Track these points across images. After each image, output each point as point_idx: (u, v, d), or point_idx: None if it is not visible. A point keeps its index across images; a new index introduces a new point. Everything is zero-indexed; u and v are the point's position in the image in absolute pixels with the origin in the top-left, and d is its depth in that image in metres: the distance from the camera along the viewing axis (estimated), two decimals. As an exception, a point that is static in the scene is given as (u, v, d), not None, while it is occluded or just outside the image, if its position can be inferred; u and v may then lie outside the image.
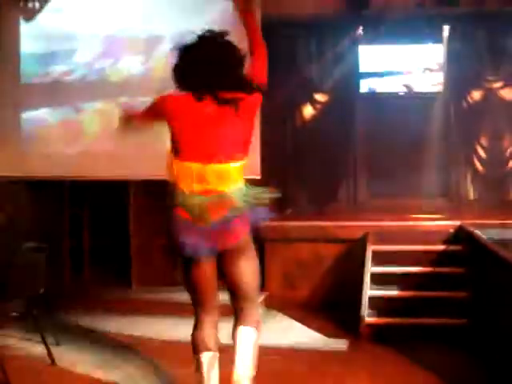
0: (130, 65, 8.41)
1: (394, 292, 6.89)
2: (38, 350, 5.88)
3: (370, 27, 9.69)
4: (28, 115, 8.56)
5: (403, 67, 10.23)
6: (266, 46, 4.42)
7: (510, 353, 5.18)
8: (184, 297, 4.33)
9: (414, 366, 5.61)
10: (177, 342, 6.25)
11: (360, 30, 9.82)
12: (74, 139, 8.44)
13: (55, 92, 8.47)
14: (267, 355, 5.88)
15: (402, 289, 6.90)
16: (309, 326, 7.09)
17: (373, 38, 9.80)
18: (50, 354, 5.72)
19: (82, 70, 8.46)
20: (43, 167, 8.39)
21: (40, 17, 8.47)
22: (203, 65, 4.03)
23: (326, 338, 6.62)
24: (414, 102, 10.17)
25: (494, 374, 5.34)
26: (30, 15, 8.37)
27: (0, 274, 5.55)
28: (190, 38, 4.13)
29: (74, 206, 8.84)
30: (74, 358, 5.91)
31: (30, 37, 8.54)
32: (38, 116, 8.54)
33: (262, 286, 8.13)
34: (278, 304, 7.85)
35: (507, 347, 5.29)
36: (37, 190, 8.66)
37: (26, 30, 8.54)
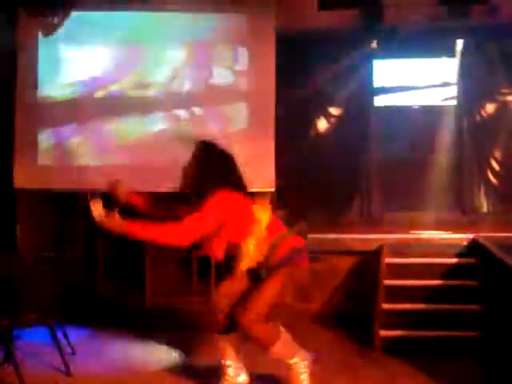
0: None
1: (407, 305, 6.88)
2: (54, 359, 5.91)
3: (383, 41, 9.71)
4: (46, 131, 8.65)
5: (417, 81, 10.27)
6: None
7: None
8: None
9: (428, 378, 5.62)
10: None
11: (374, 44, 9.84)
12: (92, 153, 8.55)
13: (74, 108, 8.59)
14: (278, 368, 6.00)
15: (415, 301, 6.89)
16: (321, 338, 7.11)
17: (386, 52, 9.82)
18: (65, 363, 5.76)
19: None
20: (60, 180, 8.48)
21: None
22: None
23: (339, 351, 6.63)
24: (428, 115, 10.18)
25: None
26: (50, 30, 8.45)
27: (16, 286, 5.60)
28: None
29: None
30: (89, 368, 5.96)
31: (49, 52, 8.65)
32: (55, 131, 8.64)
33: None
34: (290, 316, 7.86)
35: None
36: (53, 202, 8.75)
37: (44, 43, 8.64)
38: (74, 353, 6.25)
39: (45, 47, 8.61)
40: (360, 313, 7.29)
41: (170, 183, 7.16)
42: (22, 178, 8.51)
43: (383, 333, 6.63)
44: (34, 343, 6.48)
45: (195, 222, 4.71)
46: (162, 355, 6.44)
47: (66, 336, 6.22)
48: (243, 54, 8.56)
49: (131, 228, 4.68)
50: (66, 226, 8.84)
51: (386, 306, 6.85)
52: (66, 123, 8.59)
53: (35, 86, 8.61)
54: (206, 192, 4.79)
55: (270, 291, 4.93)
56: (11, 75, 8.51)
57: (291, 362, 5.08)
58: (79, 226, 8.81)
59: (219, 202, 4.78)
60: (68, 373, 5.72)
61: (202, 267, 8.62)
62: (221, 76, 8.57)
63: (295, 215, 9.57)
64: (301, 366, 5.09)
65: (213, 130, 8.32)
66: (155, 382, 5.67)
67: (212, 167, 4.95)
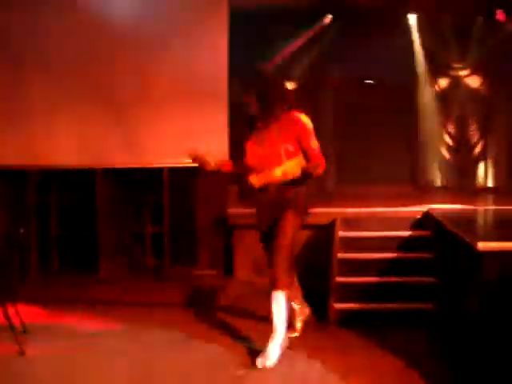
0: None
1: (361, 278, 6.91)
2: (7, 339, 5.84)
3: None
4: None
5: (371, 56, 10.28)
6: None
7: (474, 336, 5.24)
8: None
9: (382, 350, 5.66)
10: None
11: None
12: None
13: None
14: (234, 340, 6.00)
15: (369, 275, 6.92)
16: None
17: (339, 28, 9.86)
18: (18, 343, 5.69)
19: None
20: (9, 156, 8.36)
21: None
22: None
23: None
24: (382, 90, 10.21)
25: (458, 358, 5.39)
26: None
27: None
28: None
29: (41, 194, 8.77)
30: (42, 346, 5.90)
31: None
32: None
33: (231, 273, 8.21)
34: (246, 291, 7.89)
35: (471, 331, 5.34)
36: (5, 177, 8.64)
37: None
38: (25, 331, 6.18)
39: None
40: (315, 286, 7.29)
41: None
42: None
43: (338, 306, 6.65)
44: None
45: (317, 147, 5.54)
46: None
47: (18, 314, 6.14)
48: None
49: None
50: (18, 202, 8.72)
51: (340, 279, 6.87)
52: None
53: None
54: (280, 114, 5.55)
55: (287, 247, 5.51)
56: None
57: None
58: (31, 201, 8.70)
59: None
60: (22, 352, 5.65)
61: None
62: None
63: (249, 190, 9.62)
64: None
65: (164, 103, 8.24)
66: (107, 359, 5.63)
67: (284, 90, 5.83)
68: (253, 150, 5.68)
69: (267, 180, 5.57)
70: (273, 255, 5.52)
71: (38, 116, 8.45)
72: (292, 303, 5.98)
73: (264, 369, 5.23)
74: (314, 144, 5.54)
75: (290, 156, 5.45)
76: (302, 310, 6.17)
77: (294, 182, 5.50)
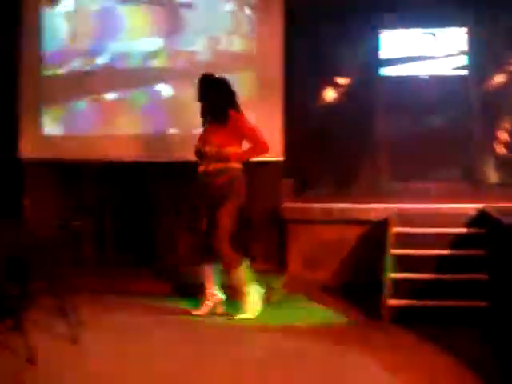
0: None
1: (415, 274, 6.86)
2: (62, 329, 5.94)
3: (392, 11, 9.64)
4: (51, 100, 8.64)
5: (426, 51, 10.18)
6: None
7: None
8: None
9: (434, 348, 5.60)
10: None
11: (382, 14, 9.75)
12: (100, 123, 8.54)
13: (78, 77, 8.56)
14: (288, 336, 6.02)
15: (423, 271, 6.86)
16: (330, 308, 7.13)
17: (395, 22, 9.75)
18: (72, 332, 5.78)
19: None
20: (70, 150, 8.49)
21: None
22: None
23: (347, 320, 6.66)
24: (437, 86, 10.09)
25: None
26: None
27: (24, 255, 5.61)
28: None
29: (100, 187, 8.86)
30: (95, 337, 5.99)
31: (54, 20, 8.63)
32: (61, 100, 8.63)
33: (284, 268, 8.22)
34: (299, 286, 7.90)
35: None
36: (61, 172, 8.76)
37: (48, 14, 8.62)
38: (80, 322, 6.27)
39: (49, 18, 8.60)
40: (368, 282, 7.29)
41: (181, 152, 7.22)
42: (28, 148, 8.53)
43: (391, 302, 6.62)
44: (42, 312, 6.52)
45: (260, 133, 6.64)
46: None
47: (73, 305, 6.22)
48: (250, 19, 8.44)
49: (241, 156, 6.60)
50: (74, 196, 8.82)
51: (393, 275, 6.82)
52: (70, 93, 8.56)
53: (39, 56, 8.59)
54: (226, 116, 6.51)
55: (226, 219, 6.52)
56: (15, 45, 8.52)
57: (246, 290, 6.56)
58: (87, 196, 8.80)
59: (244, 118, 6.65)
60: (75, 342, 5.74)
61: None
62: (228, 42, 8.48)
63: (303, 184, 9.61)
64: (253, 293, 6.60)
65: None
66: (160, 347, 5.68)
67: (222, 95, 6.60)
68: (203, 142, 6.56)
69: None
70: (214, 241, 6.53)
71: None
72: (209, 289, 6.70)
73: (314, 364, 5.24)
74: (258, 134, 6.62)
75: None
76: (213, 297, 6.71)
77: (227, 170, 6.50)
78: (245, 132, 6.60)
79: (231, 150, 6.52)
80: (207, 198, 6.60)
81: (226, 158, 6.49)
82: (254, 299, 6.62)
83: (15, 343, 5.51)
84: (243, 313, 6.61)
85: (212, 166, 6.51)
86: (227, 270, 6.60)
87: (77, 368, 5.18)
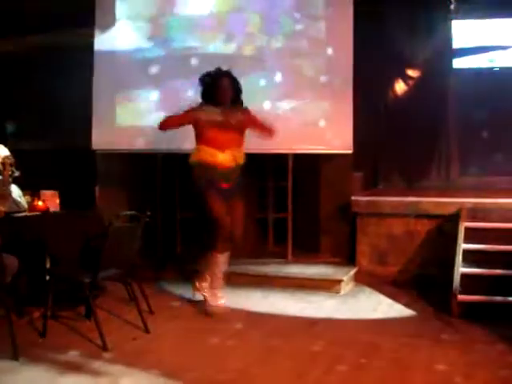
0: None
1: (486, 270, 6.76)
2: (133, 317, 6.03)
3: (464, 0, 9.50)
4: (122, 92, 8.74)
5: (499, 41, 10.00)
6: None
7: None
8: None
9: (505, 344, 5.52)
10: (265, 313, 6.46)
11: (454, 3, 9.61)
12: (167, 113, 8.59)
13: (147, 67, 8.63)
14: (357, 329, 6.01)
15: (494, 267, 6.76)
16: (399, 301, 7.09)
17: (467, 11, 9.60)
18: (143, 321, 5.86)
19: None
20: (137, 141, 8.58)
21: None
22: None
23: (416, 315, 6.61)
24: (510, 77, 9.90)
25: None
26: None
27: (96, 244, 5.70)
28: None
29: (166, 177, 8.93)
30: (166, 326, 6.06)
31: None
32: (132, 94, 8.72)
33: (353, 261, 8.19)
34: (368, 279, 7.88)
35: None
36: (132, 163, 8.87)
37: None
38: (152, 312, 6.36)
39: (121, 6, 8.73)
40: (438, 277, 7.22)
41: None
42: (100, 140, 8.64)
43: (460, 298, 6.54)
44: (114, 300, 6.63)
45: None
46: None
47: (143, 294, 6.31)
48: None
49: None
50: (145, 186, 8.92)
51: (464, 270, 6.74)
52: (140, 84, 8.63)
53: (112, 47, 8.70)
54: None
55: (242, 215, 6.69)
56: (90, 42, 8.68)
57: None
58: (158, 186, 8.89)
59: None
60: (147, 331, 5.82)
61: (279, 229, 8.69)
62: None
63: (372, 177, 9.56)
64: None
65: (288, 88, 8.26)
66: (232, 339, 5.72)
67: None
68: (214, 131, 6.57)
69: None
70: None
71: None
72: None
73: (384, 358, 5.22)
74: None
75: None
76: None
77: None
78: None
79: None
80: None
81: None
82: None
83: (88, 331, 5.62)
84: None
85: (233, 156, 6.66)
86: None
87: (149, 356, 5.26)
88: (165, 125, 6.69)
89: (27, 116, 10.22)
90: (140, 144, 8.54)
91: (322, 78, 8.20)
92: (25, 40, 9.59)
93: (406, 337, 5.77)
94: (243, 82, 6.82)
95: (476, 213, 7.51)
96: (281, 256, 8.41)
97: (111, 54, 8.69)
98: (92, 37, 8.70)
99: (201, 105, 6.70)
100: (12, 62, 9.76)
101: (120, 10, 8.73)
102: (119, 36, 8.70)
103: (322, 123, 8.12)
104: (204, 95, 6.72)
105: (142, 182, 9.02)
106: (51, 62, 9.52)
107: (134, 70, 8.63)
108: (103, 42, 8.71)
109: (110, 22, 8.72)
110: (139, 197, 8.80)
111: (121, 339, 5.60)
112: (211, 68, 6.77)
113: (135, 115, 8.67)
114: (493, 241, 7.00)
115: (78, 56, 8.88)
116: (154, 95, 8.59)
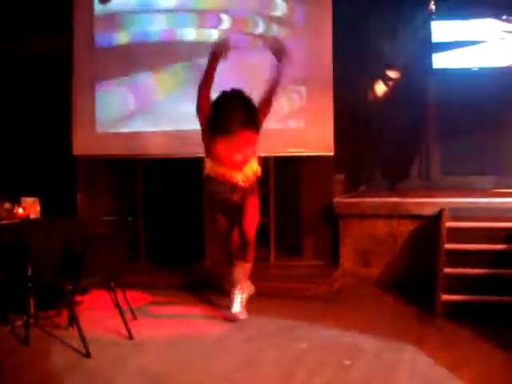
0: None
1: (469, 269, 6.78)
2: (115, 323, 5.99)
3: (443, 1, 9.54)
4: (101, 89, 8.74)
5: (478, 41, 10.03)
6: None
7: None
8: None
9: (490, 343, 5.54)
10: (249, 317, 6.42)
11: (432, 4, 9.65)
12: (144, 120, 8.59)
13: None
14: (341, 331, 5.99)
15: (477, 266, 6.78)
16: (382, 303, 7.10)
17: (447, 11, 9.64)
18: (127, 327, 5.83)
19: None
20: (117, 146, 8.56)
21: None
22: None
23: (400, 315, 6.62)
24: (488, 77, 9.93)
25: None
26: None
27: (77, 251, 5.67)
28: None
29: (147, 182, 8.91)
30: (150, 332, 6.03)
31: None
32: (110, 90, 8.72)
33: (336, 263, 8.19)
34: (351, 280, 7.88)
35: None
36: (112, 167, 8.84)
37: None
38: (135, 318, 6.33)
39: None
40: (421, 277, 7.23)
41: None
42: (80, 146, 8.63)
43: (445, 297, 6.56)
44: (96, 308, 6.59)
45: None
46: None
47: (127, 300, 6.29)
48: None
49: None
50: (126, 191, 8.90)
51: (447, 270, 6.76)
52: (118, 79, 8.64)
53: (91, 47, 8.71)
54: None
55: (256, 216, 6.58)
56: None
57: (243, 284, 6.60)
58: (139, 191, 8.85)
59: None
60: (130, 337, 5.79)
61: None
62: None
63: (354, 179, 9.57)
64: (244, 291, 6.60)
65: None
66: (216, 344, 5.70)
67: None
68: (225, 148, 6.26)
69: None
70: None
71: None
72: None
73: (367, 361, 5.21)
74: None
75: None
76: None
77: None
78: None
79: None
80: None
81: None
82: (243, 296, 6.59)
83: (71, 339, 5.59)
84: (231, 308, 6.51)
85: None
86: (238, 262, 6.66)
87: (133, 363, 5.23)
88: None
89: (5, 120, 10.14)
90: (121, 149, 8.52)
91: (302, 80, 8.17)
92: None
93: (390, 337, 5.77)
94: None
95: (458, 213, 7.52)
96: (263, 259, 8.39)
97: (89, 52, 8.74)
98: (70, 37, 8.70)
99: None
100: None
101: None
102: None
103: (302, 125, 8.12)
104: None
105: (123, 187, 8.99)
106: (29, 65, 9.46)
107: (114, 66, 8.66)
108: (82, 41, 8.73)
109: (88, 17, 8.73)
110: (121, 202, 8.77)
111: (104, 346, 5.57)
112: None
113: (116, 120, 8.66)
114: (475, 240, 7.02)
115: (55, 59, 8.84)
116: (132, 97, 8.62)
